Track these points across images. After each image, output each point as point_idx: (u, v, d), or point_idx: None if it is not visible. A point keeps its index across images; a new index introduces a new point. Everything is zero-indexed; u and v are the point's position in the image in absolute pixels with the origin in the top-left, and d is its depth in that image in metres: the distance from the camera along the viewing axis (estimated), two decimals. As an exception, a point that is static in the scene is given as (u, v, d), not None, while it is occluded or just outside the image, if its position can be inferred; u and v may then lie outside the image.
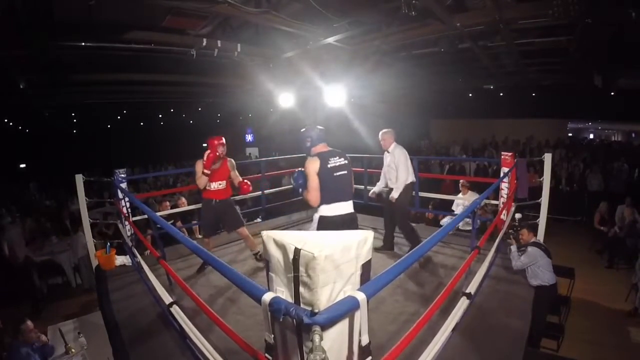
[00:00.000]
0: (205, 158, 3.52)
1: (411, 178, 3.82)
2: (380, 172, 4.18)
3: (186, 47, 4.63)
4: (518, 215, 3.76)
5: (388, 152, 3.91)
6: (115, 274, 3.71)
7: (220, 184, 3.62)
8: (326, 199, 2.57)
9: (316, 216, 2.64)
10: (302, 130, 2.71)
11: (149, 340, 2.55)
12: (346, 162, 2.66)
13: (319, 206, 2.60)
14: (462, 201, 5.34)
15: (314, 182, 2.51)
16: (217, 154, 3.55)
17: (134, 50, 4.39)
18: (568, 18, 3.45)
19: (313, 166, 2.52)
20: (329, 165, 2.55)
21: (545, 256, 3.21)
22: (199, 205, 5.10)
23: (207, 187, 3.59)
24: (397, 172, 3.78)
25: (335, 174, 2.56)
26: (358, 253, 1.43)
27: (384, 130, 3.95)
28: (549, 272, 3.19)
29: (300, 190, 2.64)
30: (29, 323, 3.17)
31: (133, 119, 17.40)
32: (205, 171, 3.51)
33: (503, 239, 3.45)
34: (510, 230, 3.47)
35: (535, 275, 3.16)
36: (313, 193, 2.52)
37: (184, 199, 5.42)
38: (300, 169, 2.65)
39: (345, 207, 2.62)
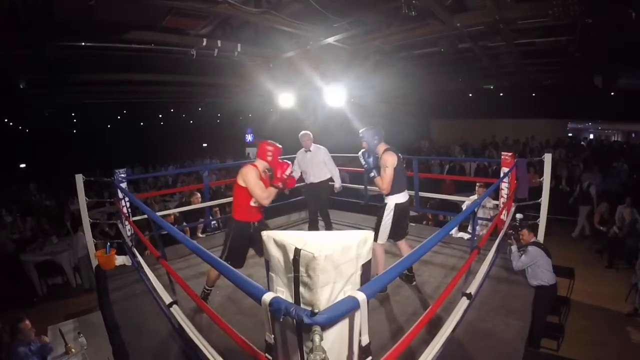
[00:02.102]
0: (275, 171, 2.78)
1: None
2: None
3: (186, 47, 4.62)
4: (519, 216, 3.76)
5: (310, 150, 4.49)
6: (115, 274, 3.71)
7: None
8: (399, 188, 3.08)
9: (391, 204, 3.09)
10: (365, 129, 3.11)
11: (149, 340, 2.56)
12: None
13: (391, 195, 3.08)
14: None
15: (390, 173, 2.98)
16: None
17: (134, 50, 4.38)
18: (568, 18, 3.45)
19: (392, 160, 2.98)
20: (400, 158, 3.08)
21: (545, 256, 3.21)
22: (200, 205, 5.15)
23: (253, 205, 2.81)
24: (330, 166, 4.51)
25: (402, 167, 3.11)
26: (358, 253, 1.43)
27: (305, 132, 4.51)
28: (549, 272, 3.19)
29: (373, 173, 3.06)
30: (27, 322, 3.16)
31: (133, 119, 17.39)
32: (279, 185, 2.76)
33: (503, 239, 3.45)
34: (510, 231, 3.47)
35: (535, 275, 3.16)
36: (388, 182, 2.99)
37: (198, 195, 5.37)
38: (364, 149, 3.11)
39: (407, 195, 3.18)
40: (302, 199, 5.95)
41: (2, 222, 7.07)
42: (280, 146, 2.91)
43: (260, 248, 2.99)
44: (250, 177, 2.73)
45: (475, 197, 5.26)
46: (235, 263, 2.80)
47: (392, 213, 3.07)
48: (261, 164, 2.86)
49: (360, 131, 3.17)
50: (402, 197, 3.11)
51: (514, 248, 3.35)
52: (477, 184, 5.45)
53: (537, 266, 3.16)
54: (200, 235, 5.04)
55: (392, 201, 3.08)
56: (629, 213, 6.06)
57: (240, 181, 2.75)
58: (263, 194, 2.74)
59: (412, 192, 4.98)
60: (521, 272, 3.27)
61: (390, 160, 2.97)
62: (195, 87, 8.37)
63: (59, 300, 5.79)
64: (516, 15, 3.89)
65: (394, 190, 3.05)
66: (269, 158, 2.85)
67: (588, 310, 4.63)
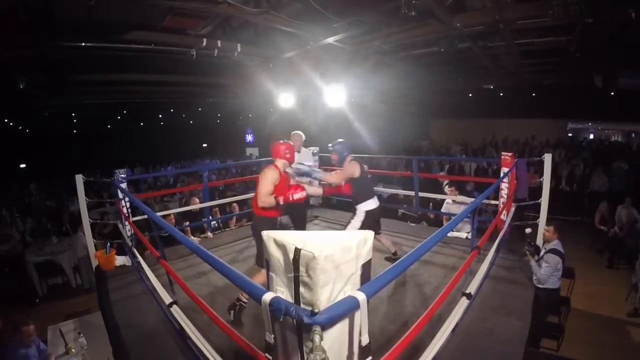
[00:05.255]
0: (288, 189, 2.89)
1: None
2: (380, 171, 4.38)
3: (186, 47, 4.62)
4: (528, 230, 3.67)
5: (299, 152, 4.45)
6: (115, 274, 3.71)
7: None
8: (366, 195, 3.30)
9: (362, 210, 3.30)
10: (336, 143, 3.41)
11: (149, 340, 2.56)
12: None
13: (361, 202, 3.30)
14: (452, 204, 4.97)
15: (345, 175, 3.30)
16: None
17: (134, 50, 4.38)
18: (568, 18, 3.45)
19: (353, 168, 3.29)
20: (364, 169, 3.33)
21: (561, 263, 3.21)
22: (200, 206, 5.15)
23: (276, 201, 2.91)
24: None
25: (368, 176, 3.37)
26: (358, 253, 1.43)
27: (297, 132, 4.54)
28: (556, 278, 3.20)
29: (318, 174, 3.40)
30: (31, 327, 3.15)
31: (133, 119, 17.40)
32: (279, 199, 2.84)
33: (504, 238, 3.44)
34: (526, 247, 3.41)
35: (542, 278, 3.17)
36: (340, 180, 3.32)
37: (197, 199, 5.43)
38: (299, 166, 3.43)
39: (377, 201, 3.39)
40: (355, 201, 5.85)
41: (5, 223, 7.08)
42: (291, 143, 3.13)
43: None
44: (266, 176, 2.86)
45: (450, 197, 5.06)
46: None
47: (362, 218, 3.29)
48: (281, 163, 3.02)
49: (330, 145, 3.45)
50: (372, 204, 3.32)
51: (532, 263, 3.30)
52: (445, 184, 5.28)
53: None
54: (202, 235, 5.03)
55: (362, 208, 3.30)
56: (626, 214, 6.06)
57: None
58: (265, 198, 2.82)
59: (412, 192, 4.99)
60: (522, 273, 3.27)
61: (350, 170, 3.28)
62: (195, 87, 8.37)
63: (59, 300, 5.79)
64: (516, 16, 3.89)
65: (361, 198, 3.29)
66: (288, 155, 3.04)
67: (588, 310, 4.63)
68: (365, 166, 3.38)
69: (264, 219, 2.90)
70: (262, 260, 2.56)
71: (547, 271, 3.17)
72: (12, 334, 3.15)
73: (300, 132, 4.52)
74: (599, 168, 8.62)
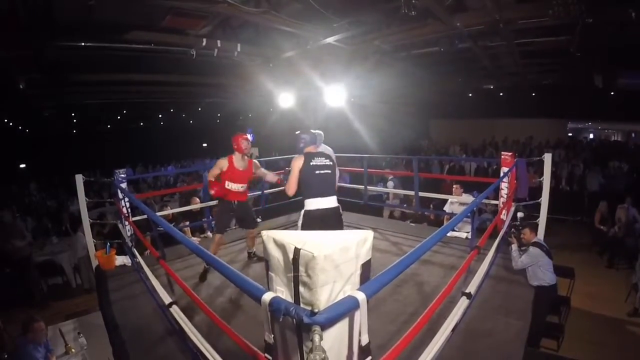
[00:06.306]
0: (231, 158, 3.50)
1: None
2: (379, 171, 4.28)
3: (186, 47, 4.63)
4: (520, 214, 3.73)
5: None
6: (115, 274, 3.70)
7: (242, 187, 3.55)
8: (309, 194, 2.91)
9: (302, 211, 2.93)
10: (297, 132, 3.07)
11: (149, 340, 2.55)
12: (331, 163, 2.98)
13: (304, 200, 2.93)
14: (456, 204, 5.06)
15: (294, 175, 2.92)
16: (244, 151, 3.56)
17: (134, 50, 4.39)
18: (568, 18, 3.45)
19: (297, 163, 2.91)
20: (311, 163, 2.89)
21: (546, 256, 3.21)
22: (200, 206, 5.14)
23: (228, 188, 3.48)
24: None
25: (316, 172, 2.90)
26: (358, 253, 1.43)
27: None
28: (550, 272, 3.18)
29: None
30: (42, 324, 3.16)
31: (133, 119, 17.43)
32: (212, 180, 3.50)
33: (504, 237, 3.44)
34: (512, 229, 3.46)
35: (535, 275, 3.16)
36: (290, 184, 2.93)
37: (197, 199, 5.43)
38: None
39: (327, 202, 2.93)
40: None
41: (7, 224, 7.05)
42: (240, 135, 3.55)
43: (242, 222, 3.80)
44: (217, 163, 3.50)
45: (455, 196, 5.12)
46: (220, 229, 3.59)
47: (301, 221, 2.92)
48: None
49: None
50: (315, 204, 2.88)
51: (514, 247, 3.34)
52: (453, 183, 5.35)
53: (537, 266, 3.16)
54: (202, 235, 5.03)
55: (304, 207, 2.94)
56: (623, 214, 6.06)
57: None
58: (211, 174, 3.48)
59: (412, 192, 4.98)
60: (521, 272, 3.27)
61: (295, 164, 2.93)
62: (195, 87, 8.39)
63: (59, 300, 5.78)
64: (516, 15, 3.89)
65: (304, 195, 2.92)
66: (235, 147, 3.54)
67: (588, 310, 4.62)
68: (318, 160, 2.93)
69: (223, 201, 3.52)
70: (220, 229, 3.57)
71: (524, 259, 3.20)
72: (22, 333, 3.15)
73: (319, 131, 4.59)
74: (595, 168, 8.63)
